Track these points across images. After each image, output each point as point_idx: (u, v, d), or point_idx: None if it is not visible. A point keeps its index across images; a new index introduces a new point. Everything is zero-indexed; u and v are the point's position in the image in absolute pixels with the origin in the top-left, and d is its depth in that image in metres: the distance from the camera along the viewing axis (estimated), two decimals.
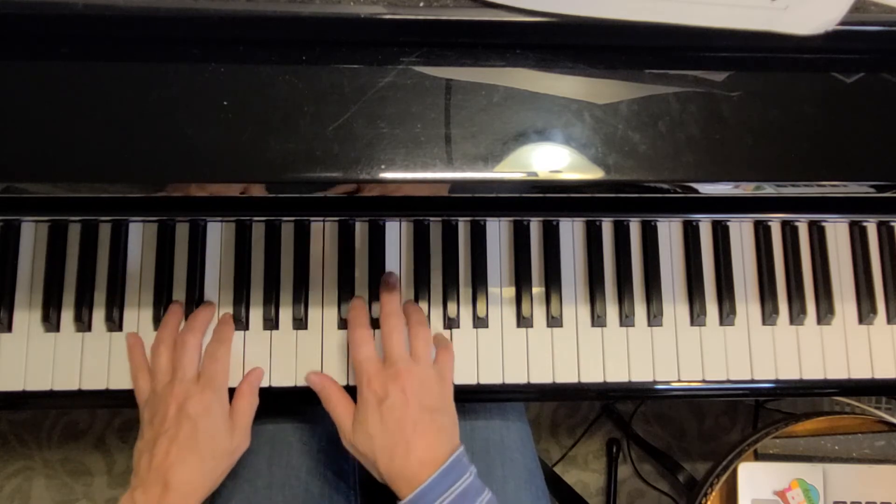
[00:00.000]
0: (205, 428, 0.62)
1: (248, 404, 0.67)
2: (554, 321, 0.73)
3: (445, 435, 0.62)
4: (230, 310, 0.71)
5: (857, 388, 0.76)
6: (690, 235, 0.75)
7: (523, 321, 0.73)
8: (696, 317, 0.74)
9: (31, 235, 0.72)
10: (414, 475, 0.59)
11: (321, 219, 0.73)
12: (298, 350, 0.71)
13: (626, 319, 0.73)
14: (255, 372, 0.69)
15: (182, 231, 0.72)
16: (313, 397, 0.71)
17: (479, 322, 0.73)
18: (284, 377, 0.71)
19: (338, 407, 0.65)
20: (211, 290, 0.72)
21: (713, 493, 0.85)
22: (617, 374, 0.73)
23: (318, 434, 0.76)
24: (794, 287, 0.75)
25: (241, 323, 0.71)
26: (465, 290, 0.73)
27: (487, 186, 0.57)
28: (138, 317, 0.71)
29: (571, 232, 0.75)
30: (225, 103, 0.53)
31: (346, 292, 0.72)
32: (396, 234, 0.74)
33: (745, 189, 0.60)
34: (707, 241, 0.75)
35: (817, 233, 0.76)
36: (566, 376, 0.72)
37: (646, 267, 0.74)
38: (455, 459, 0.60)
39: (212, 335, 0.69)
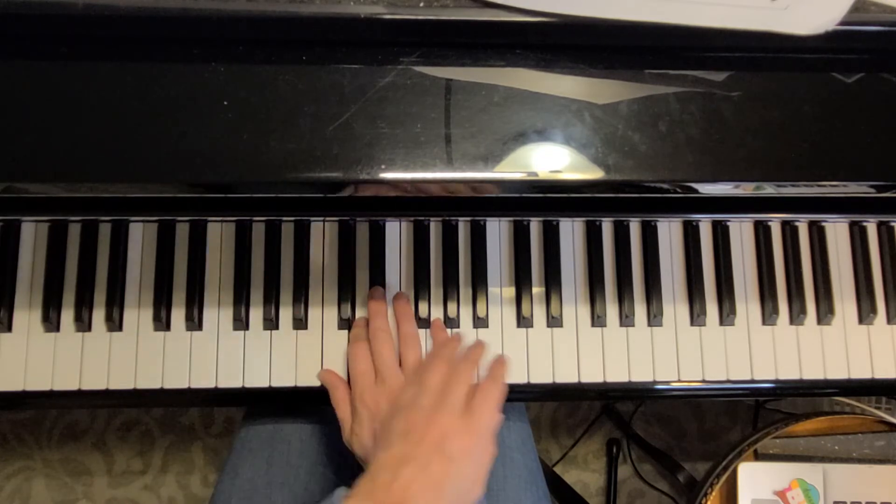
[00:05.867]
0: (456, 474, 0.56)
1: (494, 454, 0.60)
2: (554, 321, 0.73)
3: None
4: (230, 310, 0.71)
5: (857, 388, 0.76)
6: (690, 235, 0.75)
7: (523, 321, 0.73)
8: (696, 317, 0.74)
9: (31, 235, 0.72)
10: None
11: (321, 219, 0.73)
12: (298, 350, 0.71)
13: (626, 319, 0.73)
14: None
15: (182, 231, 0.72)
16: (312, 397, 0.71)
17: (479, 322, 0.73)
18: (284, 377, 0.71)
19: (340, 407, 0.66)
20: (211, 290, 0.72)
21: (713, 493, 0.85)
22: (617, 374, 0.73)
23: (318, 433, 0.76)
24: (794, 287, 0.75)
25: (241, 323, 0.71)
26: (465, 290, 0.73)
27: (488, 186, 0.57)
28: (138, 317, 0.71)
29: (571, 232, 0.75)
30: (225, 103, 0.53)
31: (346, 292, 0.72)
32: (396, 234, 0.74)
33: (745, 189, 0.60)
34: (707, 241, 0.75)
35: (817, 233, 0.76)
36: (566, 376, 0.72)
37: (646, 267, 0.74)
38: None
39: (489, 371, 0.64)
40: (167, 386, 0.70)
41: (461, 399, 0.60)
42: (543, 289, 0.73)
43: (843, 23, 0.53)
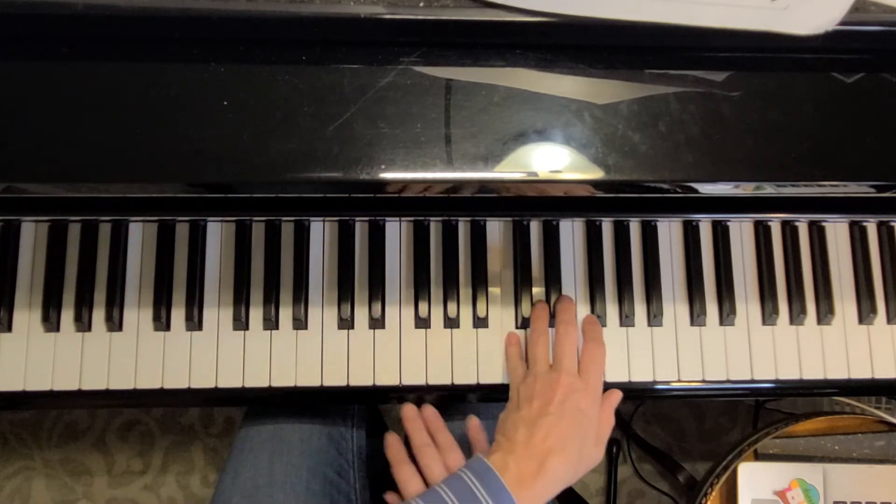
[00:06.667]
0: (583, 425, 0.63)
1: (610, 421, 0.67)
2: (554, 321, 0.73)
3: None
4: (230, 310, 0.71)
5: (857, 388, 0.76)
6: (690, 235, 0.75)
7: (524, 321, 0.73)
8: (696, 317, 0.74)
9: (31, 235, 0.72)
10: None
11: (321, 219, 0.73)
12: (298, 350, 0.71)
13: (625, 319, 0.73)
14: (616, 394, 0.69)
15: (182, 231, 0.72)
16: (312, 397, 0.71)
17: (480, 322, 0.72)
18: (284, 377, 0.71)
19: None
20: (211, 290, 0.72)
21: (713, 493, 0.85)
22: (617, 374, 0.73)
23: (318, 433, 0.76)
24: (794, 287, 0.75)
25: (241, 323, 0.71)
26: (465, 290, 0.73)
27: (488, 186, 0.57)
28: (138, 317, 0.71)
29: (571, 232, 0.75)
30: (225, 103, 0.53)
31: (345, 292, 0.72)
32: (396, 234, 0.74)
33: (745, 189, 0.60)
34: (707, 241, 0.75)
35: (817, 233, 0.76)
36: None
37: (646, 267, 0.74)
38: None
39: (584, 335, 0.70)
40: (167, 386, 0.70)
41: (574, 361, 0.66)
42: (543, 289, 0.73)
43: (843, 23, 0.54)
